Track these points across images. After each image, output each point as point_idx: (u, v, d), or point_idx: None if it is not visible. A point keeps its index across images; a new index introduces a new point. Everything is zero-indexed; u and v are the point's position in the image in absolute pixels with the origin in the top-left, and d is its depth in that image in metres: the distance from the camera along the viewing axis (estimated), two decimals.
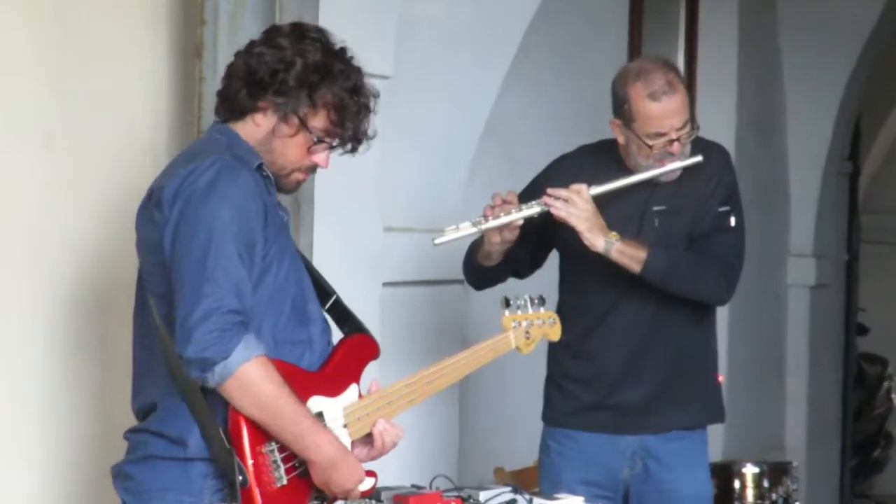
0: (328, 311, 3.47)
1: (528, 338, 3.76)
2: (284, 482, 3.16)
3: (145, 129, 3.89)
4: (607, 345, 4.28)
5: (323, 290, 3.47)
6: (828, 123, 8.42)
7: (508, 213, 4.11)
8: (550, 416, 4.43)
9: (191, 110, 3.83)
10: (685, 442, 4.34)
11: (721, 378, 4.47)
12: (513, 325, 3.73)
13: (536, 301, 3.79)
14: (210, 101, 3.68)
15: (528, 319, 3.76)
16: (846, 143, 9.06)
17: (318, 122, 3.27)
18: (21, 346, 3.62)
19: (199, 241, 3.08)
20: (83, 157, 3.73)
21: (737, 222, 4.27)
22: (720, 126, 7.07)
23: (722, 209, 4.25)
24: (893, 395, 11.45)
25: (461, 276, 4.56)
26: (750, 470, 6.19)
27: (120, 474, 3.25)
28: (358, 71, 3.30)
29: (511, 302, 3.75)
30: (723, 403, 4.45)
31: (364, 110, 3.30)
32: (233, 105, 3.30)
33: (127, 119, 3.86)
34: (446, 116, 5.21)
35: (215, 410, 3.12)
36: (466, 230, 4.10)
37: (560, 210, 4.09)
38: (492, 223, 4.11)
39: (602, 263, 4.16)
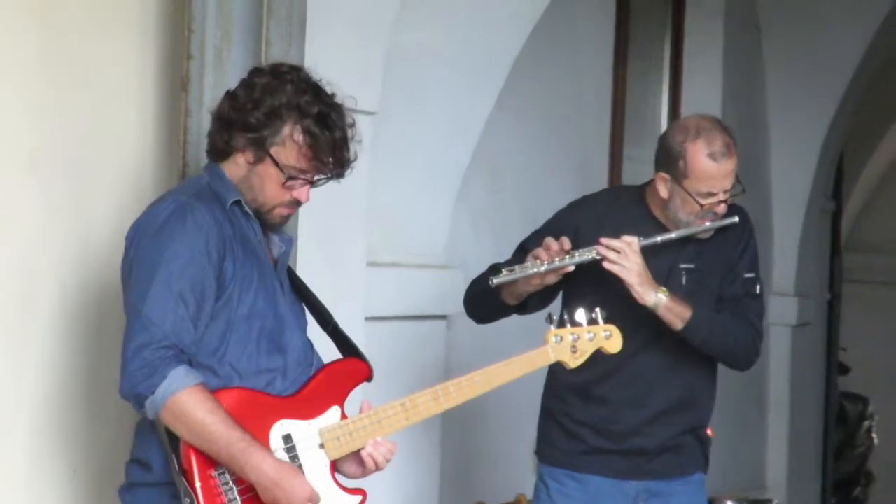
0: (331, 335, 3.56)
1: (574, 351, 3.77)
2: (238, 503, 3.24)
3: (130, 160, 3.90)
4: (622, 392, 4.29)
5: (322, 317, 3.57)
6: (811, 162, 8.45)
7: (562, 258, 4.10)
8: (551, 456, 4.40)
9: (176, 142, 3.83)
10: (687, 483, 4.37)
11: (710, 432, 4.50)
12: (553, 339, 3.75)
13: (594, 315, 3.82)
14: (195, 135, 3.72)
15: (573, 333, 3.77)
16: (829, 181, 9.10)
17: (290, 158, 3.34)
18: (5, 372, 3.61)
19: (141, 279, 3.22)
20: (70, 185, 3.74)
21: (760, 289, 4.32)
22: None
23: (748, 275, 4.29)
24: (874, 434, 11.47)
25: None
26: None
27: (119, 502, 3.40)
28: (331, 105, 3.35)
29: (555, 318, 3.78)
30: (709, 455, 4.47)
31: (338, 141, 3.35)
32: (214, 145, 3.40)
33: (113, 148, 3.86)
34: (433, 149, 5.22)
35: (173, 437, 3.24)
36: (525, 272, 4.09)
37: (613, 263, 4.09)
38: (547, 266, 4.09)
39: (623, 315, 4.16)
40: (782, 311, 8.43)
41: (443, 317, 5.06)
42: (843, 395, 10.70)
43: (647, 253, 4.15)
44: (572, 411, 4.34)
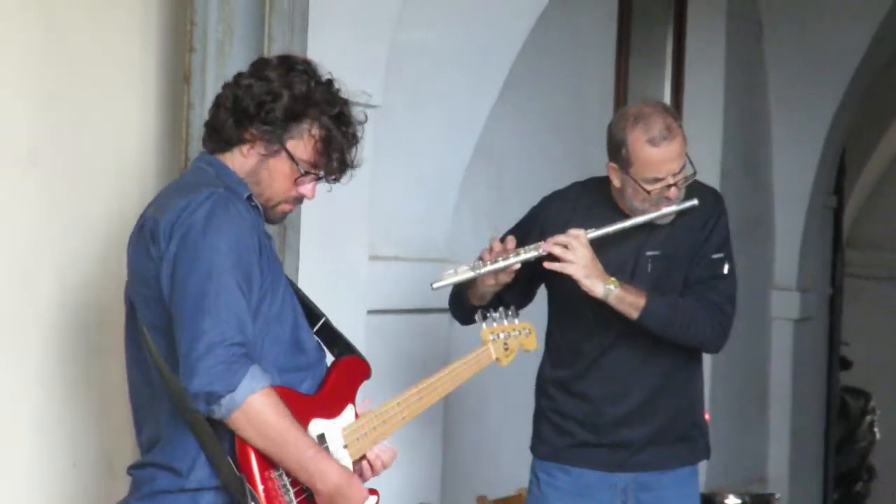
0: (317, 332, 3.48)
1: (506, 349, 3.83)
2: None
3: (133, 153, 3.90)
4: (602, 386, 4.28)
5: (311, 313, 3.49)
6: (813, 157, 8.45)
7: (506, 257, 4.10)
8: (542, 450, 4.41)
9: (178, 135, 3.84)
10: (677, 476, 4.36)
11: (708, 416, 4.50)
12: (491, 337, 3.82)
13: (510, 313, 3.87)
14: (197, 128, 3.70)
15: (504, 331, 3.84)
16: (831, 177, 9.11)
17: (305, 153, 3.28)
18: (4, 367, 3.62)
19: (199, 276, 3.10)
20: (70, 179, 3.73)
21: (730, 269, 4.27)
22: (706, 159, 7.10)
23: (716, 256, 4.25)
24: (876, 429, 11.48)
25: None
26: (732, 501, 6.19)
27: None
28: (344, 101, 3.31)
29: (488, 315, 3.84)
30: (709, 440, 4.46)
31: (351, 140, 3.31)
32: (220, 136, 3.30)
33: (115, 142, 3.86)
34: (434, 145, 5.22)
35: (221, 439, 3.14)
36: (464, 274, 4.11)
37: (555, 262, 4.07)
38: (489, 268, 4.09)
39: (596, 308, 4.16)
40: (784, 305, 8.44)
41: (445, 310, 5.06)
42: (844, 389, 10.70)
43: (612, 242, 4.16)
44: (559, 406, 4.35)
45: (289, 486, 3.18)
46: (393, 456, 3.41)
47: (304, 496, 3.20)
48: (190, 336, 3.07)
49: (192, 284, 3.09)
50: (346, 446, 3.32)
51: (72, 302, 3.75)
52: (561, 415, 4.34)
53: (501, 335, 3.82)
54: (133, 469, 3.28)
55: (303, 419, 3.21)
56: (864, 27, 8.21)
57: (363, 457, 3.38)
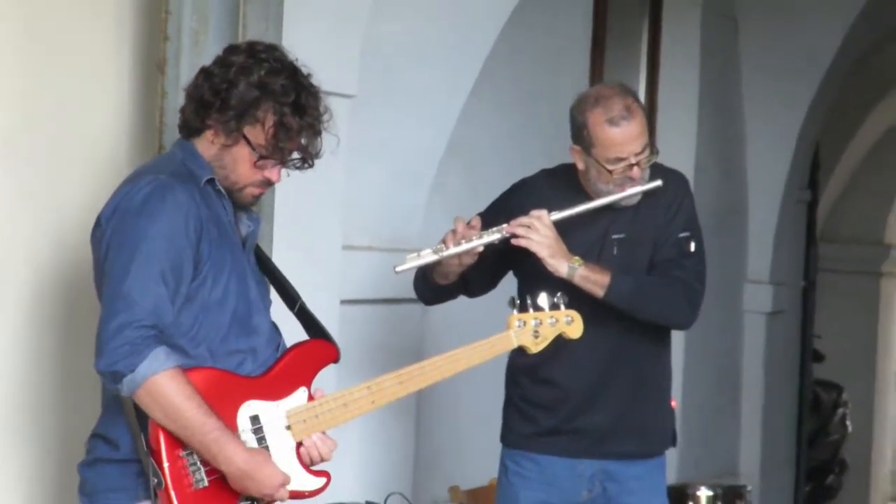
0: (297, 315, 3.55)
1: (537, 336, 3.79)
2: (205, 484, 3.25)
3: (107, 142, 3.91)
4: (568, 371, 4.29)
5: (288, 296, 3.56)
6: (787, 152, 8.48)
7: (469, 239, 4.12)
8: (509, 438, 4.43)
9: (152, 124, 3.84)
10: (645, 466, 4.37)
11: (674, 403, 4.51)
12: (516, 323, 3.76)
13: (556, 300, 3.82)
14: (171, 116, 3.72)
15: (536, 318, 3.78)
16: (805, 171, 9.14)
17: (261, 138, 3.33)
18: None
19: (122, 259, 3.21)
20: (45, 168, 3.75)
21: (697, 247, 4.28)
22: (680, 152, 7.13)
23: (682, 235, 4.27)
24: (848, 422, 11.52)
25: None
26: (704, 493, 6.22)
27: (79, 478, 3.36)
28: (305, 89, 3.34)
29: (517, 301, 3.79)
30: (675, 428, 4.48)
31: (306, 130, 3.35)
32: (187, 122, 3.40)
33: (89, 131, 3.87)
34: (409, 136, 5.23)
35: (142, 415, 3.22)
36: (428, 257, 4.13)
37: (521, 238, 4.11)
38: (452, 250, 4.11)
39: (561, 291, 4.18)
40: (757, 298, 8.47)
41: (417, 300, 5.09)
42: (817, 382, 10.74)
43: (578, 226, 4.18)
44: (525, 393, 4.36)
45: (199, 466, 3.24)
46: (330, 446, 3.41)
47: (217, 475, 3.25)
48: (105, 316, 3.19)
49: (115, 267, 3.21)
50: (288, 427, 3.36)
51: (45, 290, 3.75)
52: (528, 402, 4.36)
53: (531, 322, 3.77)
54: (89, 437, 3.39)
55: (235, 401, 3.29)
56: (838, 22, 8.24)
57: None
